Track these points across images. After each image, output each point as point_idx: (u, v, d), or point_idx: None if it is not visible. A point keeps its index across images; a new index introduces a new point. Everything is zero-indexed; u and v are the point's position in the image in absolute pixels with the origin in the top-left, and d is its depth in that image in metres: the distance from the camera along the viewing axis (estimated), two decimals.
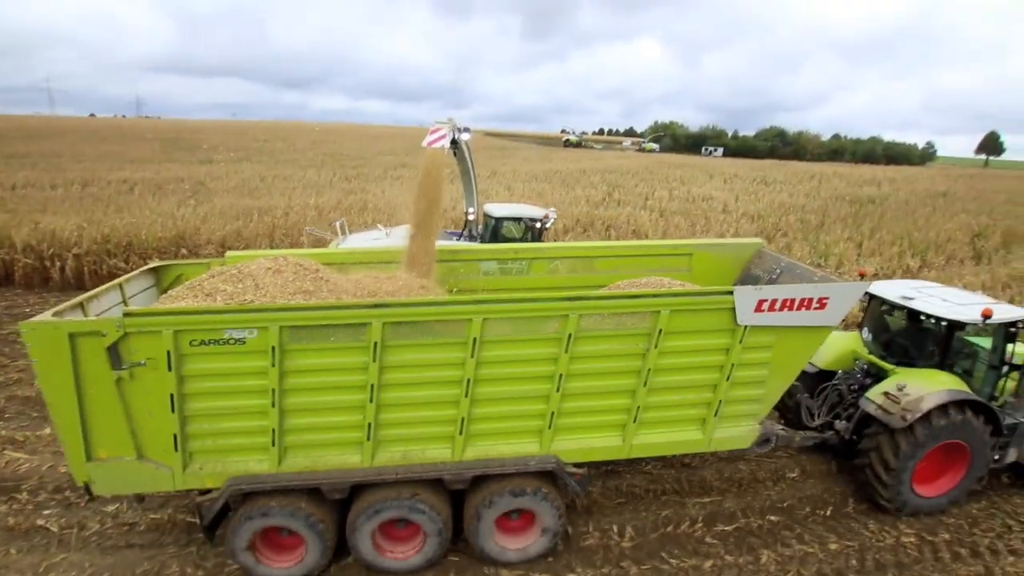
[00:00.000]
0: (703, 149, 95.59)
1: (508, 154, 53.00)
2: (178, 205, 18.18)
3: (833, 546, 5.97)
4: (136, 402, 4.47)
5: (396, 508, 5.05)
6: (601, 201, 23.36)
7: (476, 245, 8.22)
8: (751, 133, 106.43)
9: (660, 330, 4.94)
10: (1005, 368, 6.51)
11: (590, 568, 5.55)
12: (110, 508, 6.08)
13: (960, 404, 6.02)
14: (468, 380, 4.82)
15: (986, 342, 6.82)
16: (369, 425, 4.84)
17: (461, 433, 5.01)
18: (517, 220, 11.37)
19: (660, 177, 35.56)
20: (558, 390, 5.01)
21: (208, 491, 4.91)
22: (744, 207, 23.75)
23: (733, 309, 4.98)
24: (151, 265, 6.00)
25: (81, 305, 4.78)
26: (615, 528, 6.08)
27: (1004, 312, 6.30)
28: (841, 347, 7.41)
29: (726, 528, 6.18)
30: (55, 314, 4.39)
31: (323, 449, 4.92)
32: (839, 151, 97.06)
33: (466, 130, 8.88)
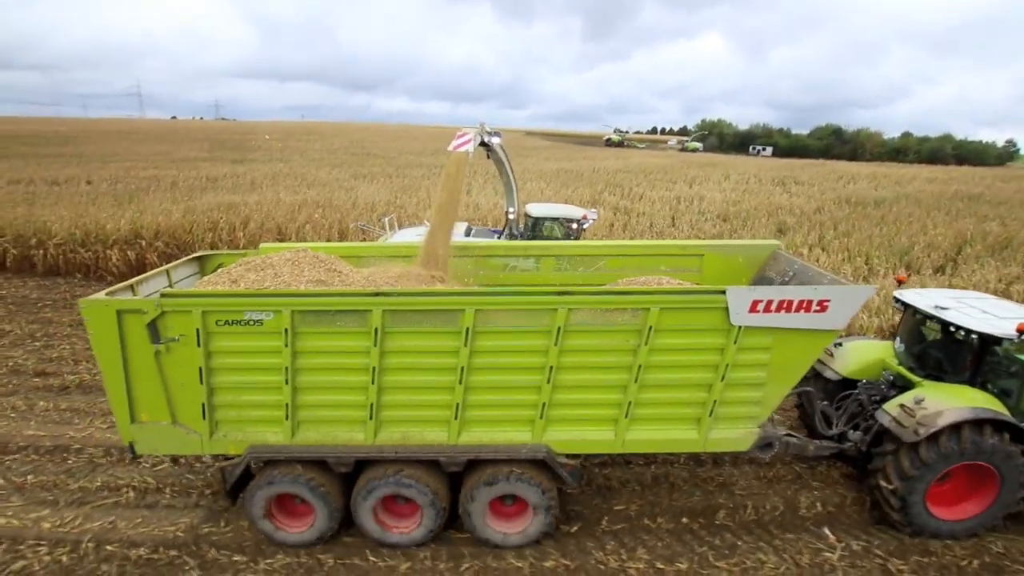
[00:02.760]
0: (751, 148, 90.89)
1: (535, 153, 52.45)
2: (172, 201, 19.20)
3: (548, 563, 5.59)
4: (171, 373, 5.09)
5: (394, 485, 5.42)
6: (585, 201, 22.58)
7: (489, 241, 8.59)
8: (805, 131, 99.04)
9: (651, 327, 5.01)
10: None
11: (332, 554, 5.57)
12: None
13: (982, 424, 5.61)
14: (462, 368, 5.11)
15: None
16: (371, 405, 5.23)
17: (456, 418, 5.31)
18: (556, 220, 11.65)
19: (674, 176, 34.28)
20: (549, 382, 5.19)
21: (231, 457, 5.49)
22: (728, 208, 22.64)
23: (726, 309, 4.99)
24: (196, 255, 6.73)
25: (132, 287, 5.49)
26: None
27: None
28: (870, 356, 7.11)
29: (456, 536, 5.89)
30: (108, 293, 5.08)
31: (331, 425, 5.37)
32: (902, 150, 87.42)
33: (496, 134, 9.20)
